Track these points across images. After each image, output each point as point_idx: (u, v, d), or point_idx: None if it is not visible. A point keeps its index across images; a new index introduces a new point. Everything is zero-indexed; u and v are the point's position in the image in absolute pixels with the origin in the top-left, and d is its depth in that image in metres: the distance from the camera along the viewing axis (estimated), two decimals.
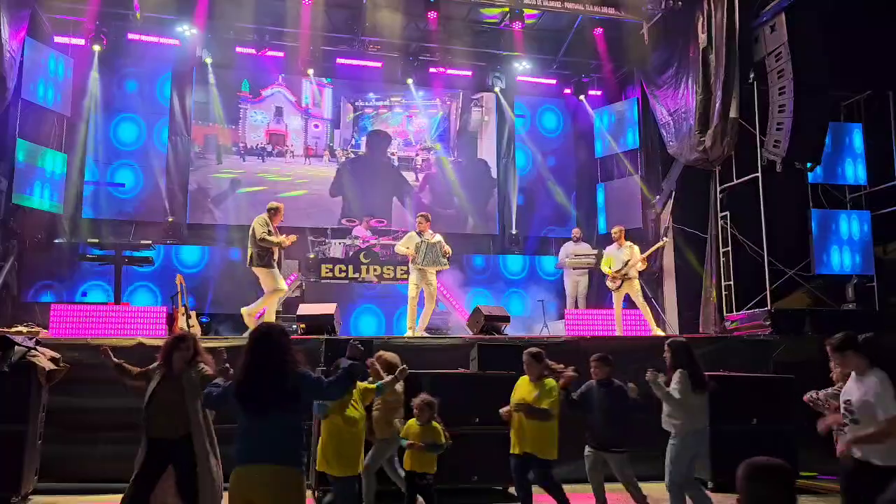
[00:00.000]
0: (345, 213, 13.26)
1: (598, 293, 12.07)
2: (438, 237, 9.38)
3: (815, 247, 10.33)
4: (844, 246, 10.53)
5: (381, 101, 13.87)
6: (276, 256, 8.63)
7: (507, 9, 12.46)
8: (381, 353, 5.82)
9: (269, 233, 8.46)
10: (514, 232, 13.95)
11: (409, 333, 9.06)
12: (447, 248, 9.31)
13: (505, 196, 14.13)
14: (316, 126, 13.57)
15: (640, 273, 10.02)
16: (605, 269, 10.11)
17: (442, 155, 14.03)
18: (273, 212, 8.69)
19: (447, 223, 12.86)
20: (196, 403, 4.65)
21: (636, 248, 10.05)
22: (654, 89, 12.14)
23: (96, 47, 11.77)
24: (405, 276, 10.88)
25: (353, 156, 13.67)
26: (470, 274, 12.87)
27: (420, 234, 9.38)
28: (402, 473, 5.60)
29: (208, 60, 12.40)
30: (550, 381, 5.54)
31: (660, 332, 9.60)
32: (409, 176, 13.90)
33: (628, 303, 10.09)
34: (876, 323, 8.88)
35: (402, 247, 9.54)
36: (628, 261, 9.86)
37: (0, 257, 10.32)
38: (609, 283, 10.08)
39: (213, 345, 6.16)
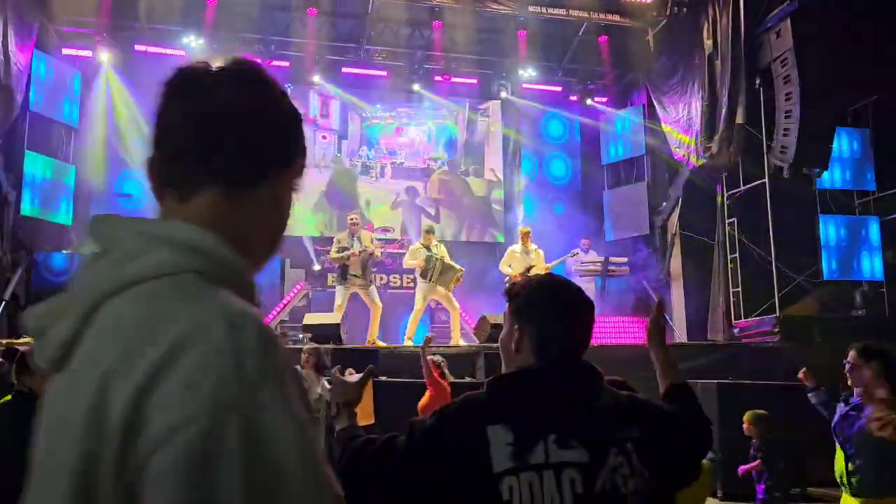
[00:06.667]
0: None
1: (607, 299, 12.00)
2: (447, 255, 9.27)
3: (823, 253, 10.27)
4: (853, 252, 10.46)
5: (388, 111, 13.85)
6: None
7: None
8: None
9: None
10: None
11: (407, 343, 8.98)
12: (459, 270, 9.09)
13: (510, 204, 14.09)
14: (324, 137, 13.57)
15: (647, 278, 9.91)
16: (504, 269, 9.40)
17: (447, 164, 14.01)
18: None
19: (452, 231, 12.83)
20: None
21: (542, 252, 9.51)
22: (660, 95, 12.12)
23: (104, 58, 11.84)
24: (412, 284, 10.87)
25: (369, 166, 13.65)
26: (475, 282, 12.82)
27: (427, 247, 9.27)
28: None
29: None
30: None
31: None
32: (415, 185, 13.88)
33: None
34: (886, 329, 8.80)
35: (409, 259, 9.44)
36: (532, 266, 9.17)
37: (9, 269, 10.36)
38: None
39: None
